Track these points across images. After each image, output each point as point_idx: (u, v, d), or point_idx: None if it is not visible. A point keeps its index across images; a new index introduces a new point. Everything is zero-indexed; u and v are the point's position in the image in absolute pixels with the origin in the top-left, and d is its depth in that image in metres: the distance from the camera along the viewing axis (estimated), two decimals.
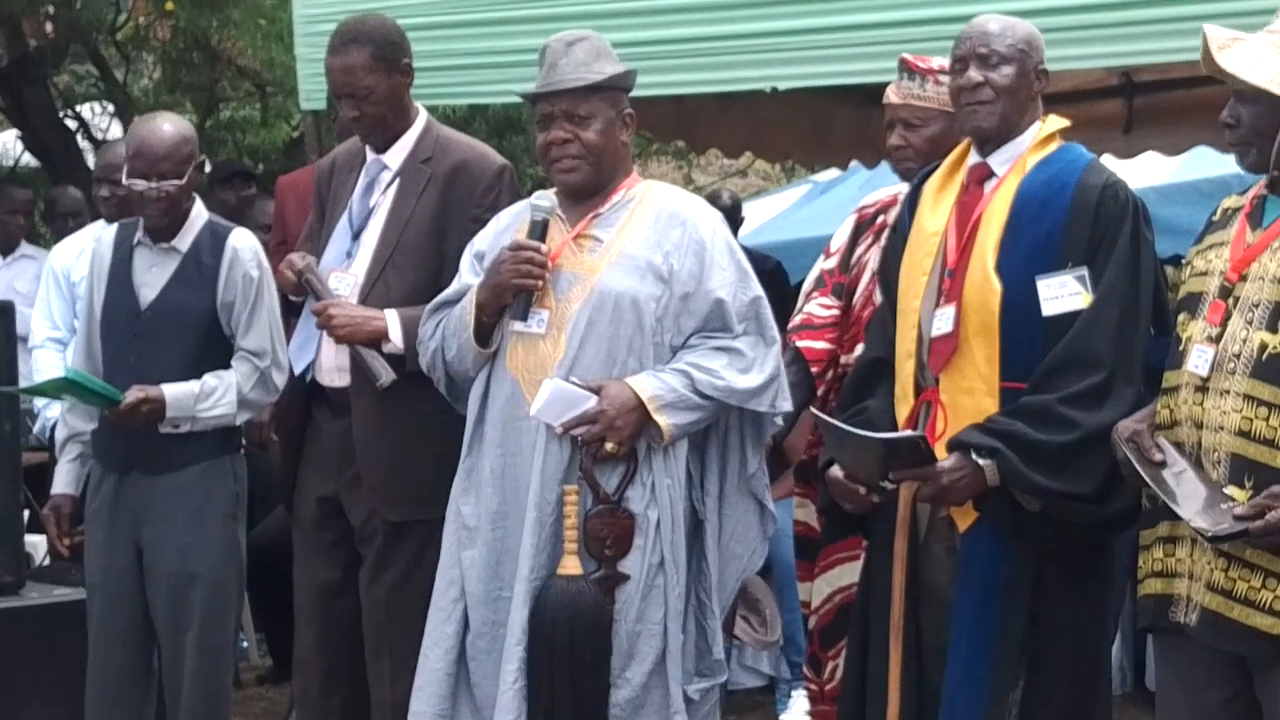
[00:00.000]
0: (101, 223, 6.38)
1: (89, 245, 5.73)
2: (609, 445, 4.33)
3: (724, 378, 4.37)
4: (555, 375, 4.35)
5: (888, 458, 4.15)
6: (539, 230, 4.45)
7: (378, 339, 4.88)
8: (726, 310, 4.41)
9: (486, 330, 4.47)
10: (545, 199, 4.50)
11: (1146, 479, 3.82)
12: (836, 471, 4.32)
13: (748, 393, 4.41)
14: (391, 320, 4.87)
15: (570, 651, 4.29)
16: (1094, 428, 4.03)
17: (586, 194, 4.50)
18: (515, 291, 4.42)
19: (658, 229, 4.46)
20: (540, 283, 4.40)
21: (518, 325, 4.43)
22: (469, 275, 4.59)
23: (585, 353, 4.38)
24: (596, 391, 4.32)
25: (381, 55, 4.99)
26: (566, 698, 4.30)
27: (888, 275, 4.46)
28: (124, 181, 5.21)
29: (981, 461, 4.08)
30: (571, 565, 4.32)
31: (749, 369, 4.41)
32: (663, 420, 4.33)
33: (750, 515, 4.55)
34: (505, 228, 4.60)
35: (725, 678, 4.67)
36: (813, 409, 4.45)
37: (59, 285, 6.67)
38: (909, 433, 4.18)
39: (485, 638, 4.43)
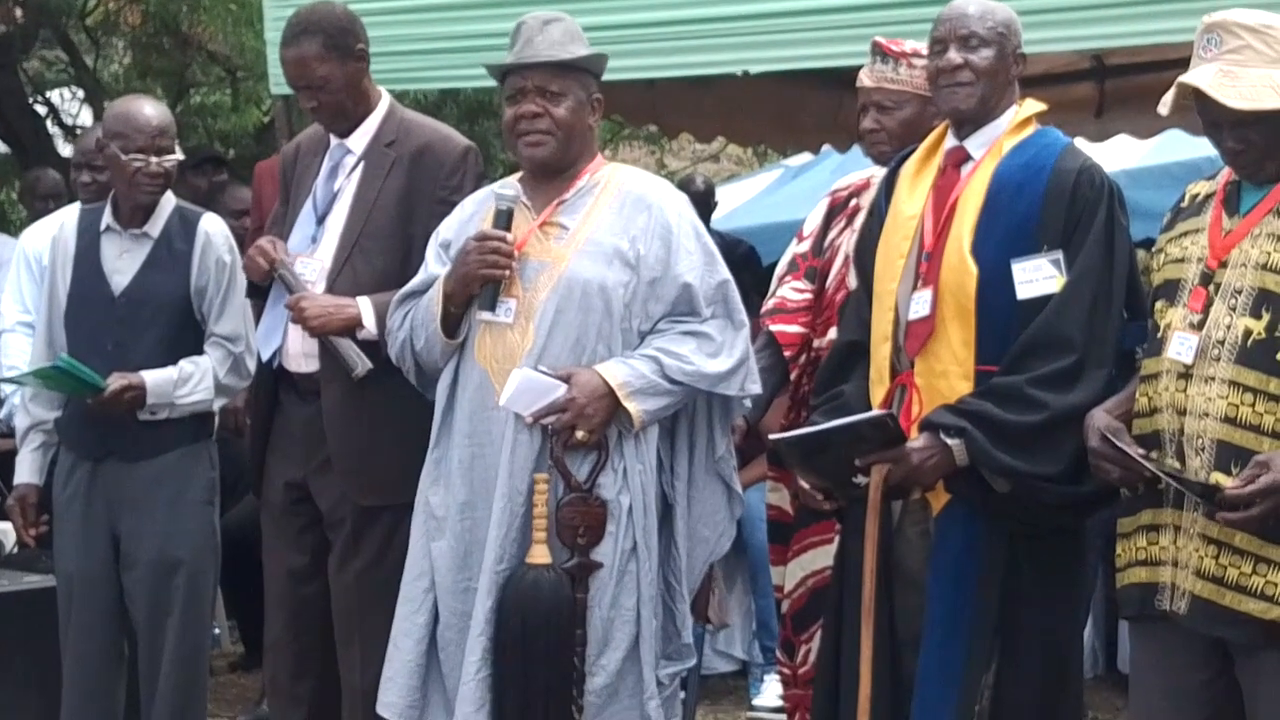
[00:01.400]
0: (77, 205, 6.32)
1: None
2: (579, 433, 4.31)
3: (693, 362, 4.36)
4: (524, 364, 4.33)
5: (856, 443, 4.14)
6: (504, 219, 4.43)
7: (352, 327, 4.86)
8: (694, 294, 4.40)
9: (454, 320, 4.45)
10: (509, 188, 4.48)
11: (1141, 461, 3.80)
12: (805, 484, 4.35)
13: (717, 377, 4.40)
14: (364, 307, 4.85)
15: (523, 642, 4.27)
16: (1062, 409, 4.03)
17: (551, 172, 4.48)
18: (482, 282, 4.40)
19: (624, 214, 4.44)
20: (507, 272, 4.39)
21: (485, 315, 4.41)
22: (435, 265, 4.56)
23: (554, 341, 4.36)
24: (565, 379, 4.31)
25: (333, 44, 4.96)
26: (519, 688, 4.28)
27: (864, 259, 4.45)
28: (122, 159, 5.15)
29: (950, 441, 4.08)
30: (540, 554, 4.31)
31: (718, 353, 4.40)
32: (633, 407, 4.32)
33: (718, 498, 4.55)
34: (470, 216, 4.58)
35: (694, 661, 4.67)
36: (772, 436, 4.45)
37: (30, 268, 6.55)
38: (875, 413, 4.18)
39: (454, 629, 4.41)
